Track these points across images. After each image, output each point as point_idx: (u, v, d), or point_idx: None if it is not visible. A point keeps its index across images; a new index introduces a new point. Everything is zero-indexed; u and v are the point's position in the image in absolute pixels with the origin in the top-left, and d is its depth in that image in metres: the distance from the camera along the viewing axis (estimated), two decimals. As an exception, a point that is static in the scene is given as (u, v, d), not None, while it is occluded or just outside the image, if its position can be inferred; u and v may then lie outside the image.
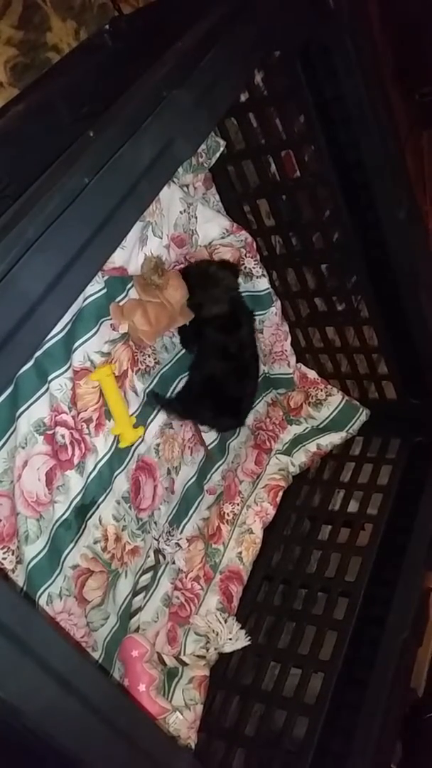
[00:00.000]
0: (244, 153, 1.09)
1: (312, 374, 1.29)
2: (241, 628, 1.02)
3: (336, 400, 1.27)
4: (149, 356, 1.03)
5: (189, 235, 1.03)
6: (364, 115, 0.86)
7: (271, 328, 1.21)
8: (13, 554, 0.82)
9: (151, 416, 1.03)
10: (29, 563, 0.82)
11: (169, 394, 1.07)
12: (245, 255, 1.13)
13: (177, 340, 1.10)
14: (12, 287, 0.47)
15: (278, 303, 1.20)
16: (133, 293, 0.98)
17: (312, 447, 1.27)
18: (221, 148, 1.06)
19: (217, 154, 1.05)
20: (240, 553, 1.13)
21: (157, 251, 0.96)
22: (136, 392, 0.99)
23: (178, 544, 1.05)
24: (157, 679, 0.89)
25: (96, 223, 0.52)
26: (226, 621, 1.01)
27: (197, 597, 1.06)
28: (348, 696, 0.90)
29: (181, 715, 0.91)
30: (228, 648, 1.00)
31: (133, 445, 0.98)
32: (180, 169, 0.97)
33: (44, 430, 0.85)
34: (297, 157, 1.04)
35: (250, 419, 1.26)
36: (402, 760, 1.19)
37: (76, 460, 0.88)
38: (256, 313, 1.17)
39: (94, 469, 0.91)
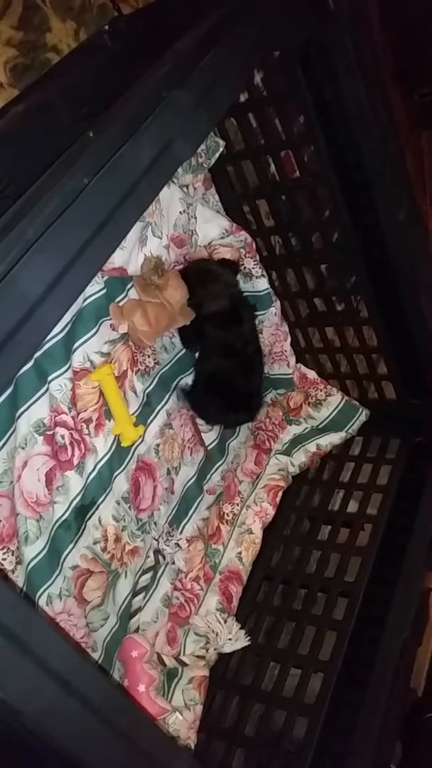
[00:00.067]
0: (244, 153, 1.09)
1: (311, 374, 1.29)
2: (241, 628, 1.02)
3: (335, 400, 1.27)
4: (149, 357, 1.03)
5: (189, 235, 1.03)
6: (363, 115, 0.86)
7: (271, 329, 1.21)
8: (12, 555, 0.82)
9: (151, 416, 1.03)
10: (29, 564, 0.82)
11: (169, 395, 1.07)
12: (245, 255, 1.13)
13: (177, 340, 1.10)
14: (12, 288, 0.47)
15: (278, 303, 1.20)
16: (133, 293, 0.98)
17: (312, 447, 1.27)
18: (221, 149, 1.06)
19: (217, 155, 1.05)
20: (240, 553, 1.13)
21: (157, 251, 0.96)
22: (135, 392, 0.99)
23: (177, 545, 1.05)
24: (156, 679, 0.89)
25: (96, 224, 0.52)
26: (225, 621, 1.01)
27: (197, 597, 1.06)
28: (348, 696, 0.90)
29: (180, 716, 0.91)
30: (228, 648, 1.00)
31: (133, 445, 0.98)
32: (180, 170, 0.97)
33: (44, 430, 0.85)
34: (296, 157, 1.04)
35: (249, 420, 1.26)
36: (402, 760, 1.19)
37: (75, 461, 0.88)
38: (256, 313, 1.17)
39: (93, 469, 0.91)
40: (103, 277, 0.92)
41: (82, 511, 0.90)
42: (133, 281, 0.98)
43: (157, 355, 1.05)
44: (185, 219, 1.00)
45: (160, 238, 0.95)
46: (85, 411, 0.90)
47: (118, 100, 0.57)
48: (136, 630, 0.95)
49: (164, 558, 1.03)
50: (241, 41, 0.67)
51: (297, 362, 1.28)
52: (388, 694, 0.87)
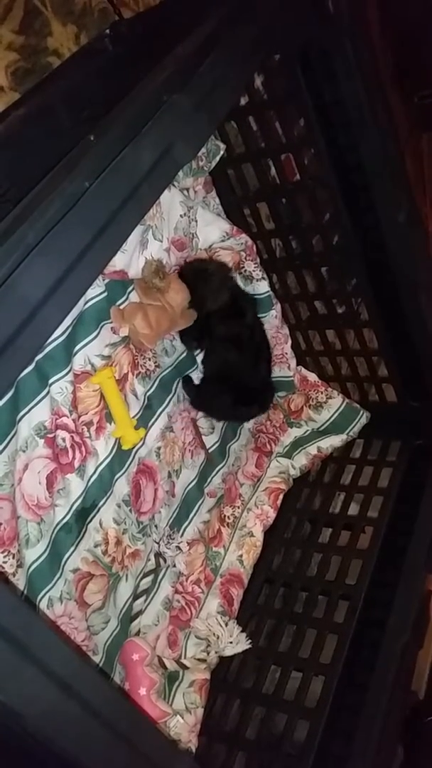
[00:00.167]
0: (244, 156, 1.09)
1: (312, 377, 1.29)
2: (242, 631, 1.02)
3: (336, 402, 1.27)
4: (149, 359, 1.03)
5: (189, 238, 1.04)
6: (363, 117, 0.86)
7: (271, 331, 1.21)
8: (13, 558, 0.82)
9: (152, 419, 1.03)
10: (30, 567, 0.82)
11: (170, 397, 1.07)
12: (245, 258, 1.13)
13: (177, 343, 1.10)
14: (13, 291, 0.47)
15: (278, 306, 1.20)
16: (134, 296, 0.98)
17: (312, 450, 1.27)
18: (221, 152, 1.06)
19: (217, 158, 1.05)
20: (240, 556, 1.13)
21: (158, 255, 0.96)
22: (136, 395, 0.99)
23: (178, 548, 1.04)
24: (157, 682, 0.89)
25: (96, 227, 0.52)
26: (226, 624, 1.01)
27: (198, 600, 1.06)
28: (348, 699, 0.90)
29: (181, 719, 0.91)
30: (229, 651, 1.00)
31: (133, 448, 0.98)
32: (180, 173, 0.97)
33: (45, 433, 0.85)
34: (297, 160, 1.04)
35: (250, 422, 1.26)
36: (403, 763, 1.19)
37: (76, 464, 0.88)
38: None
39: (94, 472, 0.91)
40: (104, 280, 0.92)
41: (83, 514, 0.90)
42: (134, 284, 0.98)
43: (158, 358, 1.05)
44: (186, 222, 1.01)
45: (161, 241, 0.95)
46: (86, 414, 0.90)
47: (118, 104, 0.58)
48: (137, 633, 0.95)
49: (165, 561, 1.03)
50: (241, 44, 0.67)
51: (298, 365, 1.28)
52: (389, 697, 0.87)
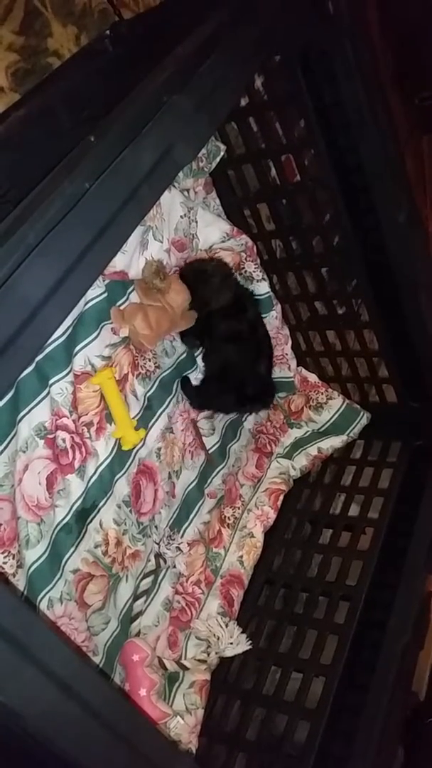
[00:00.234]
0: (245, 157, 1.09)
1: (312, 378, 1.29)
2: (242, 632, 1.02)
3: (336, 403, 1.27)
4: (150, 360, 1.03)
5: (189, 239, 1.04)
6: (363, 119, 0.86)
7: (272, 332, 1.21)
8: (13, 558, 0.82)
9: (152, 420, 1.03)
10: (30, 567, 0.82)
11: (170, 398, 1.07)
12: (245, 259, 1.13)
13: (177, 344, 1.10)
14: (13, 292, 0.47)
15: (278, 306, 1.20)
16: (134, 297, 0.98)
17: (313, 450, 1.27)
18: (221, 153, 1.06)
19: (218, 159, 1.06)
20: (241, 557, 1.13)
21: (158, 255, 0.96)
22: (136, 396, 0.99)
23: (178, 548, 1.04)
24: (157, 683, 0.89)
25: (97, 228, 0.52)
26: (227, 625, 1.01)
27: (198, 601, 1.06)
28: (349, 700, 0.90)
29: (182, 720, 0.91)
30: (229, 652, 1.00)
31: (134, 448, 0.98)
32: (180, 174, 0.97)
33: (45, 434, 0.85)
34: (297, 161, 1.04)
35: (250, 423, 1.26)
36: (403, 764, 1.19)
37: (76, 464, 0.88)
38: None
39: (94, 473, 0.91)
40: (104, 281, 0.92)
41: (83, 514, 0.90)
42: (135, 285, 0.98)
43: (158, 359, 1.05)
44: (186, 223, 1.01)
45: (161, 242, 0.95)
46: (86, 414, 0.90)
47: (119, 105, 0.58)
48: (137, 634, 0.95)
49: (165, 562, 1.03)
50: (242, 45, 0.67)
51: (298, 365, 1.28)
52: (389, 698, 0.87)
